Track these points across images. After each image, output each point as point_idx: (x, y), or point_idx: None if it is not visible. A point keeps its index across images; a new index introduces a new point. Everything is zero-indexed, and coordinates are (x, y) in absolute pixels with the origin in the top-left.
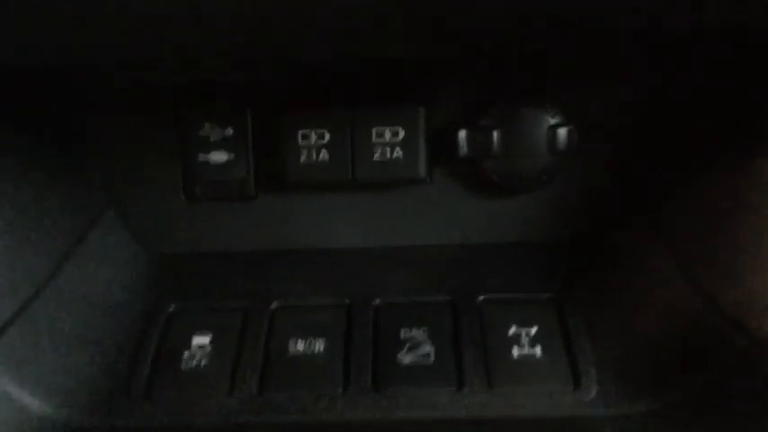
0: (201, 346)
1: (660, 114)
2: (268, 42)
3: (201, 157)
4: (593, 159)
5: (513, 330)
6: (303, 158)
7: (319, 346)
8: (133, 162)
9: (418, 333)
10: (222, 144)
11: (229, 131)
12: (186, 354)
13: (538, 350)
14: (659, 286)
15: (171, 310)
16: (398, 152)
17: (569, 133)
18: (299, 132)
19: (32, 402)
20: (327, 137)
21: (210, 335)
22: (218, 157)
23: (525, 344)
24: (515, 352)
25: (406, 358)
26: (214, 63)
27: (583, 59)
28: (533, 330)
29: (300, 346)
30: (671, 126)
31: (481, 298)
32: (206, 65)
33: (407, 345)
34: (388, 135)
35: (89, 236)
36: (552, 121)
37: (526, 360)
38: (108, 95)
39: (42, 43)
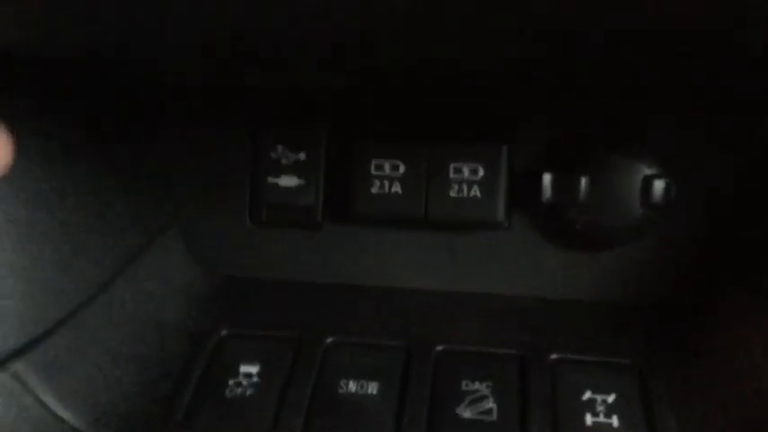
0: (248, 375)
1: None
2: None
3: (271, 179)
4: (690, 217)
5: (587, 395)
6: (374, 189)
7: (372, 388)
8: (202, 179)
9: (481, 387)
10: (293, 168)
11: (302, 156)
12: (232, 382)
13: (615, 420)
14: (756, 362)
15: (223, 334)
16: (476, 191)
17: (666, 186)
18: (373, 162)
19: (66, 414)
20: (402, 168)
21: (259, 365)
22: (288, 181)
23: (601, 411)
24: (589, 420)
25: (465, 412)
26: (297, 73)
27: (686, 106)
28: (611, 398)
29: (352, 386)
30: None
31: (554, 356)
32: (289, 74)
33: (468, 398)
34: (466, 172)
35: (149, 250)
36: (647, 172)
37: (601, 429)
38: (185, 108)
39: (117, 34)
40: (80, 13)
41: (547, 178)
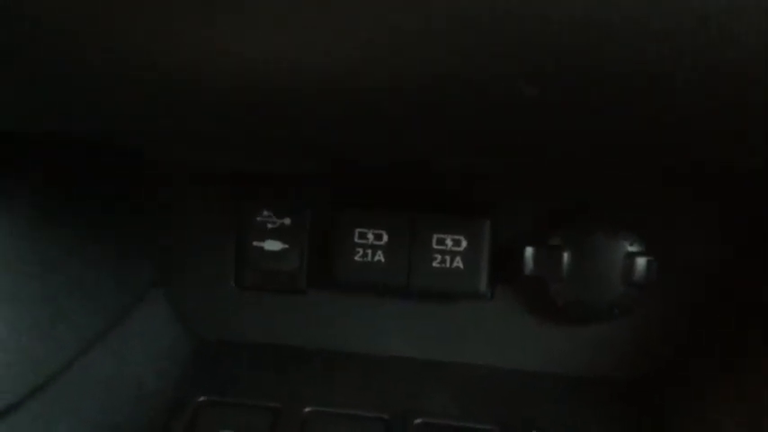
0: None
1: (750, 254)
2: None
3: (256, 243)
4: (673, 296)
5: None
6: (357, 257)
7: None
8: (188, 242)
9: None
10: (278, 233)
11: (287, 221)
12: None
13: None
14: None
15: (200, 401)
16: (459, 262)
17: (648, 264)
18: (356, 230)
19: None
20: (385, 238)
21: None
22: (273, 245)
23: None
24: None
25: None
26: (282, 156)
27: (669, 186)
28: None
29: None
30: (763, 267)
31: None
32: (275, 157)
33: None
34: (449, 243)
35: (131, 314)
36: (630, 249)
37: None
38: (171, 173)
39: (109, 115)
40: (75, 100)
41: (529, 252)
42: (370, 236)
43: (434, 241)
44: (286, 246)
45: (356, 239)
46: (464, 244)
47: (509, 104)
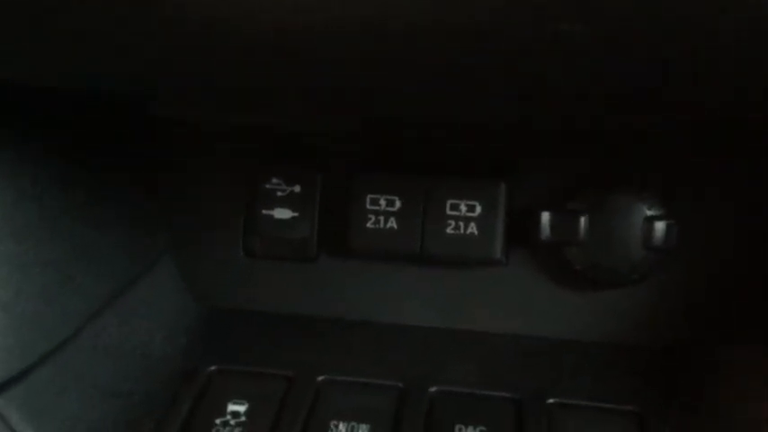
0: (236, 414)
1: None
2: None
3: (265, 211)
4: (694, 260)
5: None
6: (369, 224)
7: (363, 431)
8: (196, 209)
9: (475, 431)
10: (288, 200)
11: (297, 188)
12: (219, 421)
13: None
14: (756, 416)
15: (211, 370)
16: (473, 228)
17: (668, 228)
18: (368, 196)
19: None
20: (398, 204)
21: (248, 403)
22: (282, 213)
23: None
24: None
25: None
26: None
27: (692, 145)
28: None
29: (342, 428)
30: None
31: (551, 401)
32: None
33: None
34: (463, 209)
35: (140, 281)
36: (649, 213)
37: None
38: (179, 139)
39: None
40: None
41: (545, 216)
42: (383, 202)
43: (448, 207)
44: (296, 213)
45: (368, 206)
46: (478, 209)
47: (548, 43)
